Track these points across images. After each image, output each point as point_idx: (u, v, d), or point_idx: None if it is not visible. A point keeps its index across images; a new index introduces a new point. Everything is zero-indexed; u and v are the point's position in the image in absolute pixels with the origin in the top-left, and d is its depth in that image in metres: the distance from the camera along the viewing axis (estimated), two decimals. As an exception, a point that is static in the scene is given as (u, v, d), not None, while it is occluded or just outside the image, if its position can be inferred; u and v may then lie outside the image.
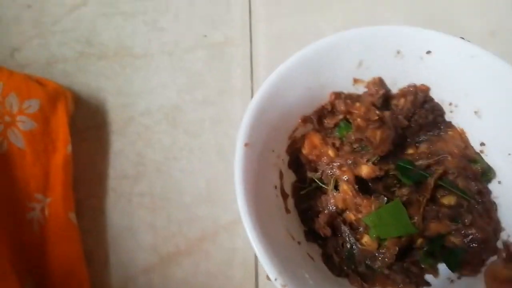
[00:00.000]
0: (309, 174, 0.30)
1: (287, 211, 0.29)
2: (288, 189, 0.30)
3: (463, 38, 0.29)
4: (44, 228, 0.29)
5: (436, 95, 0.31)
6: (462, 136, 0.30)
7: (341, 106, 0.30)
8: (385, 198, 0.28)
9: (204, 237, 0.32)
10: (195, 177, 0.34)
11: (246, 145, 0.26)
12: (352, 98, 0.31)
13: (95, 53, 0.38)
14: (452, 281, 0.27)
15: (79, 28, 0.40)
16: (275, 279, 0.23)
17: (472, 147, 0.30)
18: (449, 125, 0.31)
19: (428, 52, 0.29)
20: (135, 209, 0.33)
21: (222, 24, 0.39)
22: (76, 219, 0.30)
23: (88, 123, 0.35)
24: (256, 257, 0.31)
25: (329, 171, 0.30)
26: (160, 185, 0.34)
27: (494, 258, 0.26)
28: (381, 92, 0.30)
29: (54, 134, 0.30)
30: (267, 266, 0.24)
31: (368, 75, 0.31)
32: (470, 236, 0.27)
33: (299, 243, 0.28)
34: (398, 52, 0.30)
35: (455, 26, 0.38)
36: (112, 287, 0.31)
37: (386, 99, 0.31)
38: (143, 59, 0.38)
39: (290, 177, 0.31)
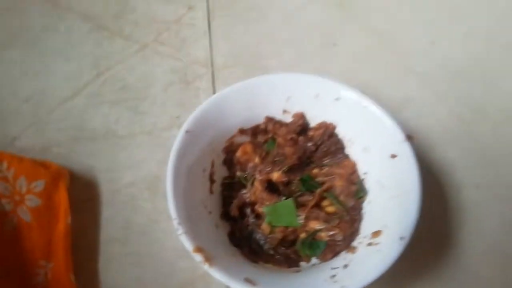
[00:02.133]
0: (238, 173, 0.40)
1: (211, 191, 0.38)
2: (218, 178, 0.39)
3: (362, 92, 0.37)
4: (48, 289, 0.34)
5: (340, 132, 0.40)
6: (353, 165, 0.39)
7: (270, 128, 0.41)
8: (284, 198, 0.37)
9: (184, 286, 0.38)
10: (174, 235, 0.39)
11: (187, 131, 0.36)
12: (280, 123, 0.41)
13: (86, 137, 0.45)
14: (313, 265, 0.35)
15: (71, 116, 0.47)
16: (174, 218, 0.32)
17: (358, 174, 0.38)
18: (346, 156, 0.40)
19: (337, 98, 0.38)
20: (125, 267, 0.38)
21: (191, 106, 0.47)
22: (75, 280, 0.36)
23: (82, 197, 0.41)
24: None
25: (252, 173, 0.39)
26: (145, 245, 0.39)
27: (345, 254, 0.34)
28: (300, 122, 0.40)
29: (56, 208, 0.36)
30: (171, 207, 0.32)
31: (294, 108, 0.41)
32: (333, 233, 0.36)
33: (210, 212, 0.37)
34: (317, 95, 0.39)
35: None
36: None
37: (304, 129, 0.41)
38: (127, 139, 0.45)
39: (223, 172, 0.40)
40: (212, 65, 0.51)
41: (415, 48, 0.53)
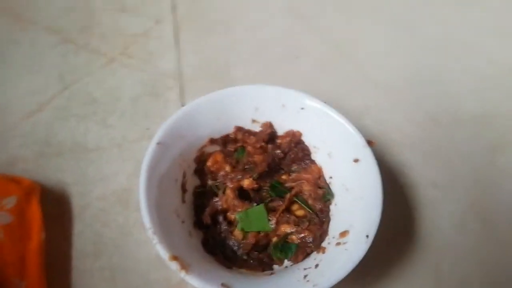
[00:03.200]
0: (209, 181, 0.41)
1: (183, 201, 0.39)
2: (190, 187, 0.40)
3: (325, 102, 0.40)
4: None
5: (306, 139, 0.42)
6: (319, 170, 0.41)
7: (240, 137, 0.42)
8: (255, 204, 0.38)
9: (159, 296, 0.38)
10: (147, 247, 0.40)
11: (158, 143, 0.36)
12: (250, 133, 0.42)
13: (53, 151, 0.45)
14: (286, 267, 0.37)
15: (37, 130, 0.46)
16: (148, 228, 0.32)
17: (324, 178, 0.40)
18: (313, 161, 0.41)
19: (302, 108, 0.40)
20: (97, 282, 0.38)
21: (160, 118, 0.48)
22: (47, 297, 0.35)
23: (51, 212, 0.40)
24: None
25: (223, 181, 0.40)
26: (117, 258, 0.39)
27: (316, 254, 0.36)
28: (269, 131, 0.42)
29: (28, 224, 0.35)
30: (145, 217, 0.32)
31: (262, 118, 0.42)
32: (303, 235, 0.37)
33: (183, 221, 0.37)
34: (283, 105, 0.41)
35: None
36: None
37: (272, 137, 0.43)
38: (96, 152, 0.45)
39: (195, 181, 0.41)
40: (180, 77, 0.52)
41: (372, 58, 0.56)
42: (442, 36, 0.60)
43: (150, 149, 0.36)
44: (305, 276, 0.33)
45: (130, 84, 0.51)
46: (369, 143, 0.37)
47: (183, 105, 0.49)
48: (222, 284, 0.31)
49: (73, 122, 0.47)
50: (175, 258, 0.31)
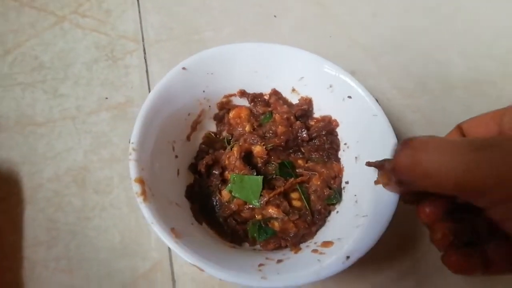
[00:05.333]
0: (224, 133, 0.38)
1: (188, 138, 0.37)
2: (201, 129, 0.38)
3: (377, 100, 0.34)
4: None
5: (341, 132, 0.37)
6: (339, 170, 0.36)
7: (272, 101, 0.38)
8: (255, 173, 0.34)
9: (124, 288, 0.34)
10: (109, 233, 0.36)
11: (183, 68, 0.34)
12: (284, 101, 0.38)
13: (-5, 126, 0.39)
14: (254, 249, 0.34)
15: (-25, 102, 0.40)
16: (131, 142, 0.30)
17: (341, 180, 0.36)
18: (337, 159, 0.37)
19: (349, 97, 0.35)
20: (52, 274, 0.34)
21: (121, 86, 0.43)
22: (-10, 295, 0.30)
23: None
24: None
25: (237, 137, 0.37)
26: (74, 246, 0.35)
27: (288, 251, 0.32)
28: (305, 107, 0.37)
29: None
30: (134, 130, 0.30)
31: (304, 91, 0.38)
32: (286, 227, 0.34)
33: (176, 156, 0.35)
34: (330, 86, 0.36)
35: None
36: None
37: (306, 115, 0.38)
38: (46, 126, 0.40)
39: (209, 125, 0.39)
40: (142, 39, 0.46)
41: (358, 19, 0.51)
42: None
43: (172, 71, 0.34)
44: (260, 265, 0.29)
45: (84, 48, 0.44)
46: None
47: (147, 72, 0.44)
48: (172, 229, 0.28)
49: (18, 91, 0.41)
50: (141, 181, 0.29)
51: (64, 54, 0.44)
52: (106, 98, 0.42)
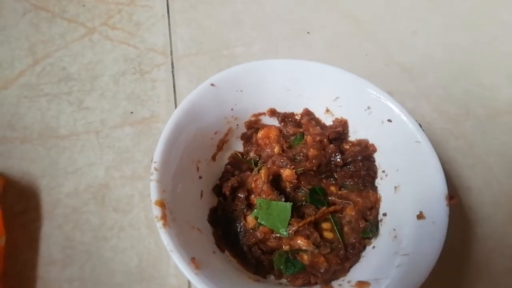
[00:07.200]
0: (251, 154, 0.36)
1: (213, 158, 0.35)
2: (227, 149, 0.36)
3: (420, 125, 0.32)
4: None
5: (378, 158, 0.34)
6: (376, 200, 0.33)
7: (304, 121, 0.36)
8: (283, 200, 0.32)
9: (138, 317, 0.32)
10: (126, 255, 0.34)
11: (212, 84, 0.33)
12: (317, 122, 0.37)
13: (18, 137, 0.38)
14: (280, 284, 0.31)
15: (0, 112, 0.40)
16: (154, 162, 0.29)
17: (377, 212, 0.33)
18: (373, 188, 0.34)
19: (389, 120, 0.33)
20: (65, 297, 0.32)
21: (147, 100, 0.41)
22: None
23: (14, 210, 0.35)
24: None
25: (265, 159, 0.35)
26: (89, 268, 0.33)
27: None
28: (339, 129, 0.35)
29: None
30: (159, 146, 0.29)
31: (339, 112, 0.36)
32: (317, 261, 0.31)
33: (200, 177, 0.33)
34: (368, 107, 0.34)
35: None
36: None
37: (340, 138, 0.36)
38: (68, 140, 0.39)
39: (236, 145, 0.37)
40: (171, 53, 0.45)
41: (396, 37, 0.49)
42: (474, 13, 0.52)
43: (200, 86, 0.32)
44: None
45: (112, 60, 0.44)
46: (450, 198, 0.29)
47: (174, 86, 0.42)
48: (192, 259, 0.26)
49: (44, 102, 0.41)
50: (162, 204, 0.27)
51: (91, 66, 0.43)
52: (131, 112, 0.41)
